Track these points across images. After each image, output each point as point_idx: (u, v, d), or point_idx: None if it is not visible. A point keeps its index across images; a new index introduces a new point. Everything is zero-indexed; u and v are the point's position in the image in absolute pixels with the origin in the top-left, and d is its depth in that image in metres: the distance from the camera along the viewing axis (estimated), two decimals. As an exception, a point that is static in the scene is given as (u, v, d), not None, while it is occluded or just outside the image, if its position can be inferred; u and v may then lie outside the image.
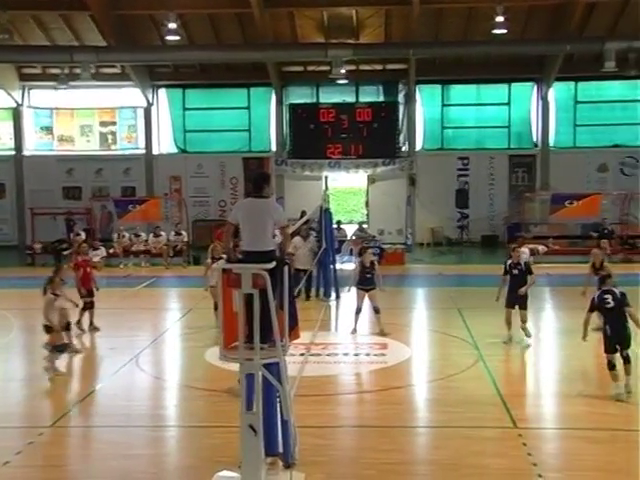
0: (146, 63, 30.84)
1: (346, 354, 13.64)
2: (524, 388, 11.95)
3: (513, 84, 32.03)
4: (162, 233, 27.52)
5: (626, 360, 10.46)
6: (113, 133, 33.53)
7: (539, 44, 28.16)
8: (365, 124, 30.72)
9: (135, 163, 32.89)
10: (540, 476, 8.08)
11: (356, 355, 13.65)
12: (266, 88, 32.09)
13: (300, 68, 31.69)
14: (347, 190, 38.60)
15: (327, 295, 19.20)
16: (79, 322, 15.30)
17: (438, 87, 32.25)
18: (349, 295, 17.77)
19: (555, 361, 13.47)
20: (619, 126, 31.46)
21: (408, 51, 27.21)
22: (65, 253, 25.48)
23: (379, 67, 31.42)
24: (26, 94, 33.22)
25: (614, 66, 24.09)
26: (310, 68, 31.07)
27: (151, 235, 27.70)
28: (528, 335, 13.91)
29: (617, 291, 10.69)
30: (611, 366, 10.53)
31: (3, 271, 25.52)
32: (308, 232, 19.37)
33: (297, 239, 18.55)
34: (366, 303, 15.15)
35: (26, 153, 33.32)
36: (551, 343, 14.60)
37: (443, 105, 32.35)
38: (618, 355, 10.49)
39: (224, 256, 11.89)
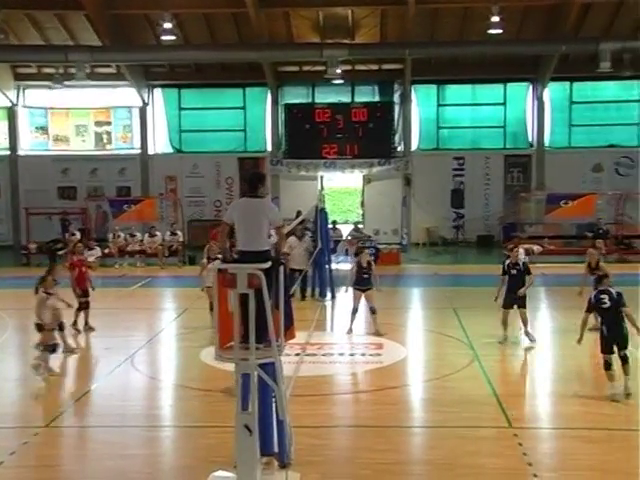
0: (141, 63, 30.79)
1: (342, 354, 13.65)
2: (519, 388, 11.96)
3: (508, 84, 32.06)
4: (157, 233, 27.52)
5: (624, 360, 10.45)
6: (108, 133, 33.47)
7: (534, 44, 28.17)
8: (361, 124, 30.72)
9: (130, 163, 32.85)
10: (535, 476, 8.09)
11: (352, 355, 13.66)
12: (262, 88, 32.07)
13: (296, 68, 31.67)
14: (343, 190, 38.59)
15: (322, 295, 19.21)
16: (75, 323, 15.30)
17: (434, 87, 32.26)
18: (345, 295, 17.76)
19: (551, 361, 13.50)
20: (614, 126, 31.52)
21: (404, 51, 27.18)
22: (60, 253, 25.44)
23: (375, 67, 31.41)
24: (21, 94, 33.14)
25: (609, 66, 24.10)
26: (306, 68, 31.04)
27: (146, 235, 27.67)
28: (532, 340, 13.86)
29: (613, 291, 10.68)
30: (607, 366, 10.52)
31: (-2, 271, 25.47)
32: (303, 232, 19.40)
33: (292, 239, 18.56)
34: (362, 303, 15.15)
35: (21, 153, 33.24)
36: (547, 343, 14.61)
37: (439, 105, 32.35)
38: (614, 355, 10.49)
39: (220, 256, 11.87)
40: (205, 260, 15.12)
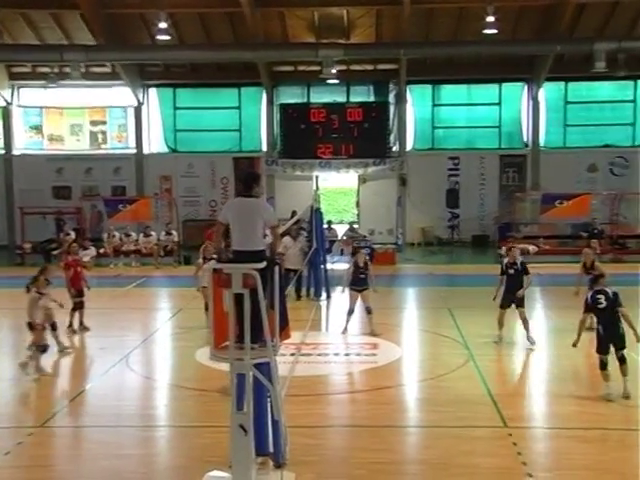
0: (136, 62, 30.73)
1: (337, 354, 13.65)
2: (514, 388, 11.97)
3: (504, 84, 32.10)
4: (152, 233, 27.48)
5: (621, 361, 10.44)
6: (103, 132, 33.40)
7: (529, 44, 28.22)
8: (356, 124, 30.74)
9: (125, 162, 32.78)
10: (530, 475, 8.10)
11: (347, 355, 13.67)
12: (257, 88, 32.04)
13: (291, 68, 31.67)
14: (338, 190, 38.59)
15: (318, 295, 19.21)
16: (70, 324, 15.28)
17: (429, 87, 32.27)
18: (340, 295, 17.76)
19: (546, 361, 13.49)
20: (609, 126, 31.60)
21: (399, 51, 27.20)
22: (55, 253, 25.38)
23: (370, 67, 31.42)
24: (16, 93, 33.06)
25: (604, 66, 24.14)
26: (301, 68, 31.05)
27: (141, 235, 27.65)
28: (532, 342, 13.82)
29: (610, 291, 10.64)
30: (603, 366, 10.50)
31: (-8, 271, 25.42)
32: (298, 232, 19.40)
33: (287, 239, 18.56)
34: (357, 303, 15.14)
35: (15, 152, 33.15)
36: (542, 343, 14.60)
37: (434, 105, 32.36)
38: (610, 355, 10.49)
39: (215, 256, 11.86)
40: (201, 260, 15.09)
